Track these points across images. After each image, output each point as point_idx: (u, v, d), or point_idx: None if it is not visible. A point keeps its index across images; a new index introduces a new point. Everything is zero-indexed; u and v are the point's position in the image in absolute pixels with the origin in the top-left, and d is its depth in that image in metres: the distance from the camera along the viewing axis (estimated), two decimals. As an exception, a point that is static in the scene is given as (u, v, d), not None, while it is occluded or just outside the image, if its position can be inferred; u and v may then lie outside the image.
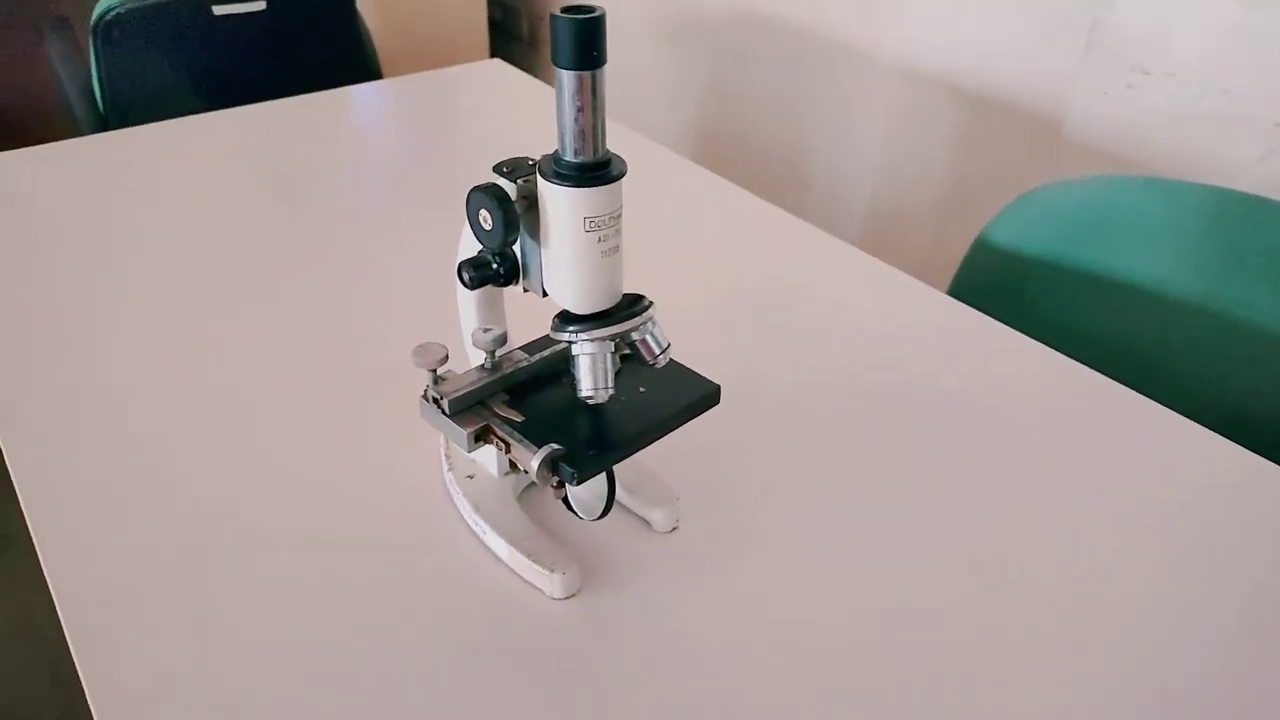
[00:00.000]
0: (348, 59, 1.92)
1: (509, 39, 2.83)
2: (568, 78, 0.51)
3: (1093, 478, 0.74)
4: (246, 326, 0.88)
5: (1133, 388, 0.82)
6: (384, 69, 2.01)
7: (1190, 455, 0.76)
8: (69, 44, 1.84)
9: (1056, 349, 0.87)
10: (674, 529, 0.67)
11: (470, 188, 0.55)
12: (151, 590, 0.62)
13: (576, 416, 0.58)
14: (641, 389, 0.62)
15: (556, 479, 0.56)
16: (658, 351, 0.58)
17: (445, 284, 0.65)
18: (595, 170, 0.53)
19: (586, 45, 0.50)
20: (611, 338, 0.56)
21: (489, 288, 0.61)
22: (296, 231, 1.05)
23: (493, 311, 0.65)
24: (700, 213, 1.13)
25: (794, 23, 1.91)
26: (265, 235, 1.04)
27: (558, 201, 0.54)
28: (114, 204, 1.09)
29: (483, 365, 0.61)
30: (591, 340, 0.56)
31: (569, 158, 0.53)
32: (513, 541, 0.63)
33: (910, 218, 1.81)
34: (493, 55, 2.64)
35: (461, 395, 0.59)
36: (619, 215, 0.55)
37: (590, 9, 0.50)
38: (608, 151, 0.54)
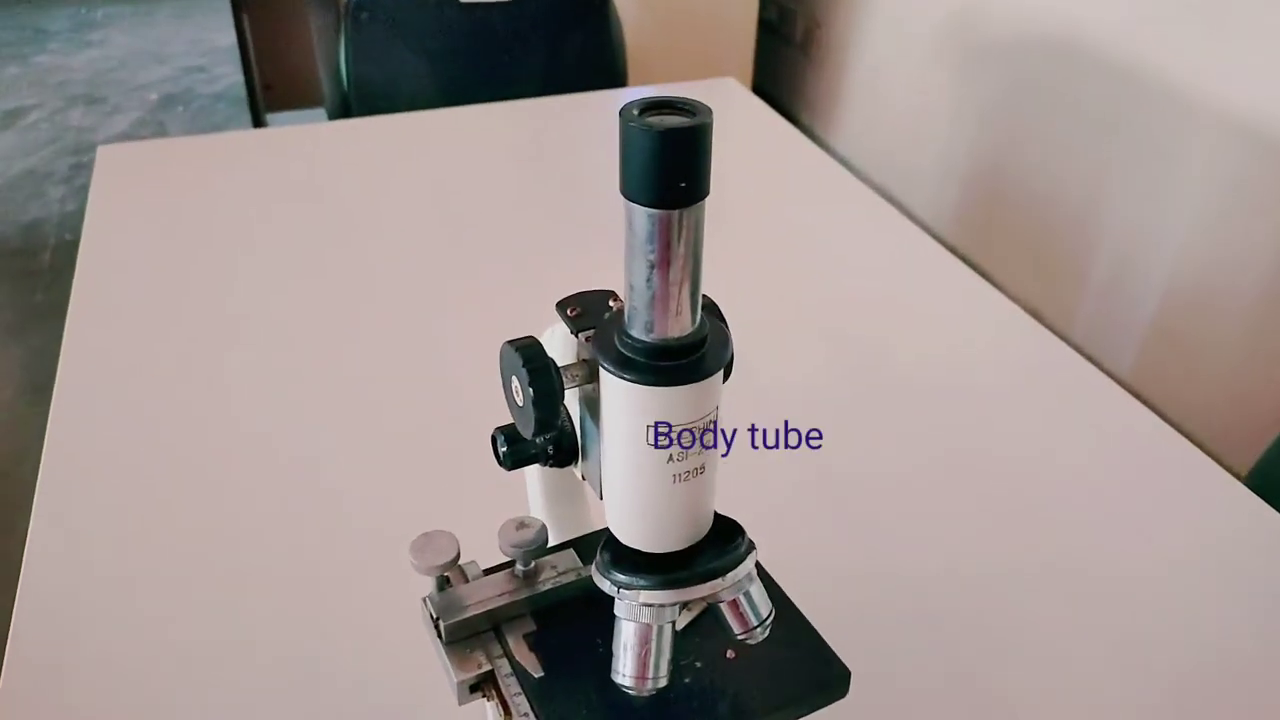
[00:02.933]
0: (594, 59, 1.80)
1: (780, 42, 2.62)
2: (640, 217, 0.31)
3: None
4: (396, 345, 0.78)
5: None
6: (634, 72, 1.87)
7: None
8: (330, 24, 1.85)
9: None
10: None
11: (505, 341, 0.37)
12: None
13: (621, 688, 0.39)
14: (730, 654, 0.42)
15: (563, 791, 0.38)
16: (753, 623, 0.38)
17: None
18: (674, 358, 0.33)
19: (671, 170, 0.30)
20: (675, 603, 0.37)
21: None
22: (478, 249, 0.92)
23: (561, 482, 0.47)
24: (935, 311, 0.89)
25: (1113, 55, 1.58)
26: (444, 250, 0.92)
27: (614, 395, 0.35)
28: (305, 197, 1.01)
29: (514, 571, 0.44)
30: (640, 605, 0.36)
31: (637, 333, 0.34)
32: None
33: (1218, 323, 1.45)
34: (759, 60, 2.45)
35: (466, 620, 0.41)
36: (709, 427, 0.35)
37: (689, 108, 0.30)
38: (704, 324, 0.34)
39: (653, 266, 0.32)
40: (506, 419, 0.39)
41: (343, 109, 1.71)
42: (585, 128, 1.22)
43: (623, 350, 0.34)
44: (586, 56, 1.80)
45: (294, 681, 0.53)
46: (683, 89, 1.35)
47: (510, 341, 0.37)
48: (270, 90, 2.34)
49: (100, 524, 0.63)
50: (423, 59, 1.75)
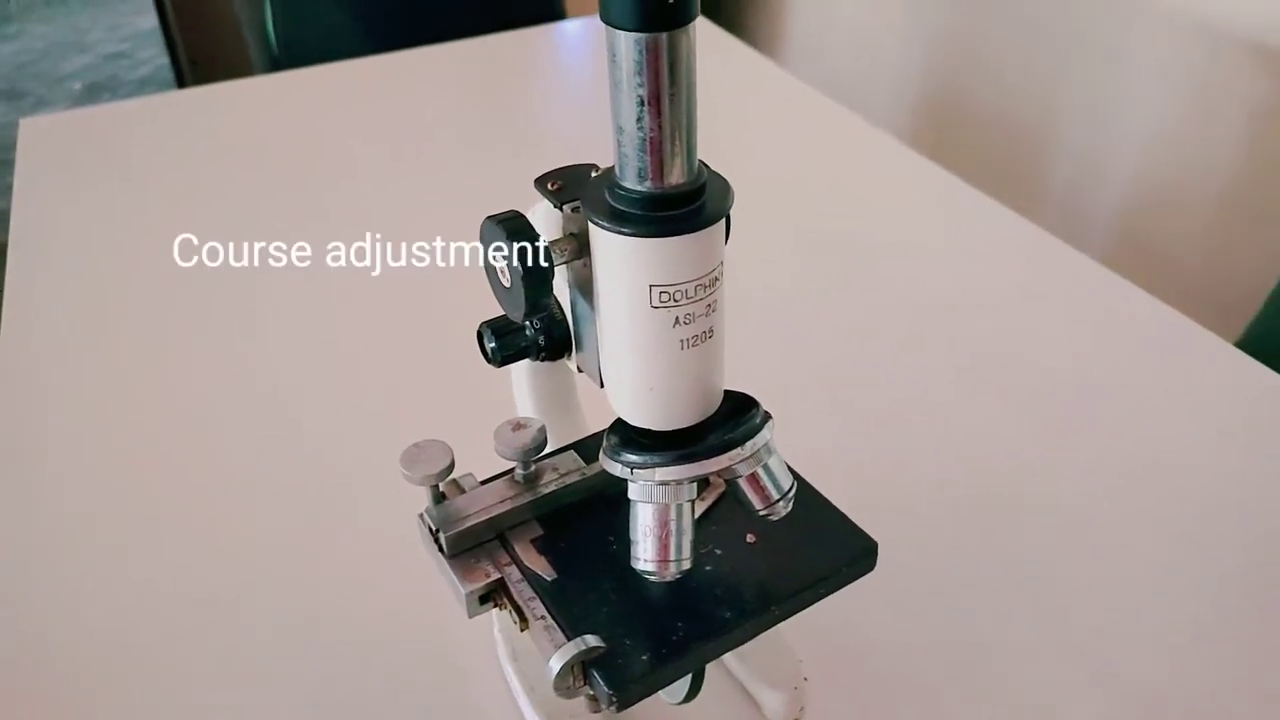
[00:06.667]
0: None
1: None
2: (625, 46, 0.29)
3: None
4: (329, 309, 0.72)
5: None
6: (572, 3, 1.81)
7: None
8: (253, -18, 1.77)
9: None
10: (795, 724, 0.45)
11: (486, 216, 0.34)
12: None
13: (638, 581, 0.37)
14: (750, 538, 0.40)
15: (588, 690, 0.35)
16: (775, 496, 0.36)
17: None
18: (673, 207, 0.31)
19: (658, -14, 0.27)
20: (692, 479, 0.34)
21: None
22: (423, 200, 0.88)
23: (553, 387, 0.45)
24: (905, 208, 0.87)
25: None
26: (386, 202, 0.88)
27: (609, 255, 0.32)
28: (217, 155, 0.96)
29: (513, 476, 0.41)
30: (656, 485, 0.34)
31: (629, 184, 0.31)
32: (550, 716, 0.43)
33: (1183, 226, 1.45)
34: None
35: (468, 529, 0.39)
36: (713, 283, 0.32)
37: (671, -82, 0.27)
38: (701, 171, 0.32)
39: (643, 103, 0.29)
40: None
41: (273, 69, 1.65)
42: (528, 63, 1.18)
43: (615, 205, 0.31)
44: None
45: (288, 623, 0.50)
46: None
47: (491, 216, 0.34)
48: (197, 67, 2.26)
49: (59, 477, 0.59)
50: (352, 12, 1.68)
